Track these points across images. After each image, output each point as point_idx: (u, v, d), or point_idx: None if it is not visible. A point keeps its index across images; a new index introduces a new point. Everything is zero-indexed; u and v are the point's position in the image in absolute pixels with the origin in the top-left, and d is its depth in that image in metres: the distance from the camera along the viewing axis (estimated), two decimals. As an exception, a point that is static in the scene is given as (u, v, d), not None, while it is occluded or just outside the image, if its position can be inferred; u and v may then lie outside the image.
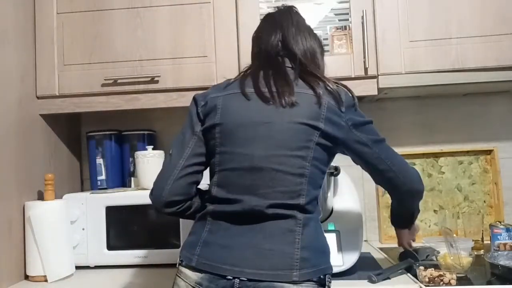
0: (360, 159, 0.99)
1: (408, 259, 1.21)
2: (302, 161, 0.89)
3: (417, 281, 1.10)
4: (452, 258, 1.15)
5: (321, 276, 0.86)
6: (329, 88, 0.94)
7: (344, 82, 1.35)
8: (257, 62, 1.03)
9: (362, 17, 1.35)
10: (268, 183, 0.89)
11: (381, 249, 1.49)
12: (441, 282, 1.07)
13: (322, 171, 0.94)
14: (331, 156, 0.97)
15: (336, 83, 0.97)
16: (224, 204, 0.92)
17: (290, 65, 0.98)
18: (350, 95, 0.97)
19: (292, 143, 0.90)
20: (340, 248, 1.20)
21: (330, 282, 0.89)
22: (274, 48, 1.00)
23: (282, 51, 1.00)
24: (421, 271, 1.09)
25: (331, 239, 1.22)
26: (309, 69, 0.97)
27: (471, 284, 1.08)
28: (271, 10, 1.11)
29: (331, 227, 1.25)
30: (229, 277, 0.84)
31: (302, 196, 0.89)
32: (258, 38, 1.05)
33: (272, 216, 0.88)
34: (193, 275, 0.88)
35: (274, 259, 0.84)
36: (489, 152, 1.64)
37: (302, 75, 0.96)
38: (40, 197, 1.40)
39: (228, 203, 0.91)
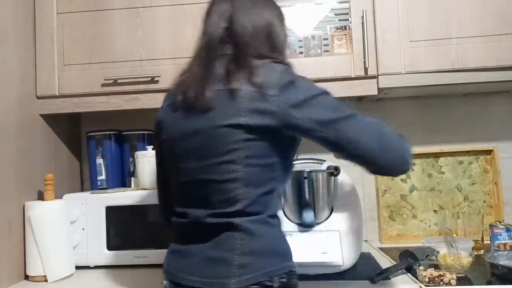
0: (316, 141, 0.88)
1: (408, 259, 1.21)
2: (232, 165, 0.84)
3: (417, 281, 1.10)
4: (452, 258, 1.15)
5: (267, 279, 0.83)
6: (254, 74, 0.85)
7: (344, 82, 1.37)
8: (194, 58, 0.96)
9: (362, 17, 1.35)
10: (206, 194, 0.88)
11: (381, 249, 1.49)
12: (441, 282, 1.07)
13: (265, 164, 0.86)
14: (278, 144, 0.87)
15: (274, 60, 0.88)
16: (177, 218, 0.94)
17: (231, 52, 0.91)
18: (287, 72, 0.87)
19: (217, 150, 0.85)
20: (340, 248, 1.20)
21: (283, 283, 0.84)
22: (219, 33, 0.92)
23: (228, 32, 0.92)
24: (421, 271, 1.09)
25: (333, 238, 1.22)
26: (243, 56, 0.89)
27: (471, 284, 1.08)
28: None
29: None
30: (183, 284, 0.87)
31: (239, 201, 0.85)
32: (207, 18, 0.96)
33: (213, 225, 0.87)
34: (164, 282, 0.93)
35: (215, 267, 0.85)
36: (489, 152, 1.64)
37: (230, 66, 0.88)
38: (40, 197, 1.40)
39: (179, 217, 0.93)
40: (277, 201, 0.92)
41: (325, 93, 0.87)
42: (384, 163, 0.87)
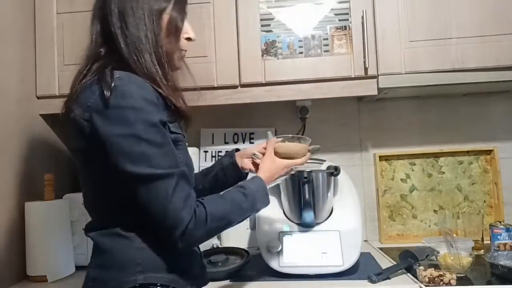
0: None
1: (408, 259, 1.21)
2: (85, 184, 0.88)
3: (417, 281, 1.10)
4: (452, 258, 1.15)
5: None
6: (74, 98, 0.81)
7: (344, 82, 1.37)
8: None
9: (362, 17, 1.35)
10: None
11: (381, 249, 1.49)
12: (441, 282, 1.07)
13: (104, 182, 0.83)
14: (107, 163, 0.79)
15: (101, 74, 0.79)
16: None
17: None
18: (107, 92, 0.75)
19: (78, 169, 0.88)
20: (340, 248, 1.20)
21: None
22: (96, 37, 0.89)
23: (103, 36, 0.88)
24: (421, 271, 1.09)
25: (333, 238, 1.22)
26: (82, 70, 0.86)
27: (471, 284, 1.08)
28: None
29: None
30: None
31: (99, 214, 0.88)
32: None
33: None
34: None
35: (84, 280, 0.87)
36: (489, 152, 1.63)
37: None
38: (40, 197, 1.40)
39: None
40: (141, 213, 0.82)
41: (133, 136, 0.75)
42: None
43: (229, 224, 0.86)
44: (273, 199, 1.34)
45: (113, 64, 0.81)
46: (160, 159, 0.77)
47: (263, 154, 1.04)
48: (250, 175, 1.06)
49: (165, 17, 0.88)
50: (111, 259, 0.83)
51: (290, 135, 1.07)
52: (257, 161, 1.05)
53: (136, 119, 0.75)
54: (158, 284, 0.81)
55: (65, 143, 1.60)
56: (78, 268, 1.38)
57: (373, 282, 1.10)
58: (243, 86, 1.39)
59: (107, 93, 0.75)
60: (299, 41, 1.40)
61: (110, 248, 0.84)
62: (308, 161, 1.31)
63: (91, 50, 0.88)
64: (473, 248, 1.32)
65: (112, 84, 0.76)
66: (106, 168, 0.79)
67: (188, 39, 0.95)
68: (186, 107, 0.88)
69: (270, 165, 1.01)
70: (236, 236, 1.52)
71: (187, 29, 0.94)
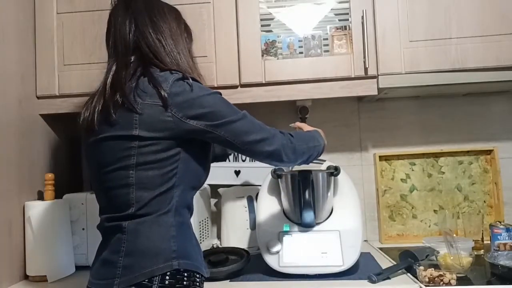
0: (213, 142, 0.95)
1: (408, 259, 1.21)
2: (124, 171, 0.89)
3: (417, 281, 1.10)
4: (452, 258, 1.15)
5: (146, 279, 0.84)
6: (151, 84, 0.89)
7: (344, 82, 1.37)
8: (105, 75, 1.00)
9: (362, 17, 1.35)
10: (106, 200, 0.94)
11: (381, 249, 1.49)
12: (441, 282, 1.07)
13: (158, 167, 0.89)
14: (171, 149, 0.90)
15: (170, 72, 0.91)
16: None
17: (136, 64, 0.95)
18: (186, 85, 0.90)
19: (110, 158, 0.90)
20: (340, 248, 1.20)
21: (168, 283, 0.85)
22: (127, 43, 0.96)
23: (134, 44, 0.96)
24: (421, 271, 1.09)
25: (333, 238, 1.22)
26: (145, 66, 0.94)
27: (471, 284, 1.08)
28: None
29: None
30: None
31: (132, 205, 0.89)
32: (112, 31, 0.99)
33: (108, 228, 0.92)
34: None
35: (104, 269, 0.89)
36: (489, 152, 1.64)
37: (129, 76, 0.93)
38: (40, 197, 1.40)
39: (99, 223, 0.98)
40: (179, 199, 0.92)
41: (216, 93, 0.94)
42: (266, 158, 1.00)
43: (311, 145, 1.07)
44: (273, 199, 1.34)
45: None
46: None
47: None
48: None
49: (184, 31, 1.02)
50: (145, 247, 0.87)
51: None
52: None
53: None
54: (185, 271, 0.87)
55: (64, 143, 1.60)
56: (78, 268, 1.38)
57: (373, 282, 1.10)
58: (243, 86, 1.40)
59: (187, 84, 0.91)
60: (299, 41, 1.40)
61: (146, 235, 0.87)
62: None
63: (122, 60, 0.96)
64: (473, 248, 1.32)
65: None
66: (160, 152, 0.88)
67: None
68: None
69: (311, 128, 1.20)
70: (236, 236, 1.52)
71: None
